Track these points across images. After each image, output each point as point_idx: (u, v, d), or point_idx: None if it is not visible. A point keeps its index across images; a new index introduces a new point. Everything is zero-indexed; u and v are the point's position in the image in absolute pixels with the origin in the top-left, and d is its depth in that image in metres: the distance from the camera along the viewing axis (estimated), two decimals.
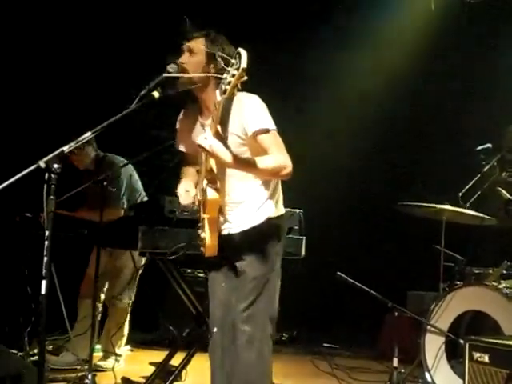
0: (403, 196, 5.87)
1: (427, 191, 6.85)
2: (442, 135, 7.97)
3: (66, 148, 3.04)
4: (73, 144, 3.10)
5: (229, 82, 3.08)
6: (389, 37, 8.16)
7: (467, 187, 5.67)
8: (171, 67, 3.46)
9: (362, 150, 8.31)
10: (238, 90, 3.18)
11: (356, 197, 8.39)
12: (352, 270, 5.37)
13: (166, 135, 4.77)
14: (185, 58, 3.59)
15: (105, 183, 4.86)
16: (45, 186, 2.95)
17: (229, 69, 3.08)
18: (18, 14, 7.04)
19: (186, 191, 3.68)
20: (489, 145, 6.10)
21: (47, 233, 2.96)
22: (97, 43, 7.43)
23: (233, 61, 3.05)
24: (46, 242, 2.96)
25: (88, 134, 3.16)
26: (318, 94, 8.18)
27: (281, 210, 3.75)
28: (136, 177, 5.96)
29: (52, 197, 2.96)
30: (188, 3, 6.40)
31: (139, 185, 5.97)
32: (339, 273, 5.30)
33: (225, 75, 3.12)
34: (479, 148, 6.02)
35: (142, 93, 3.35)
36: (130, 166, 5.84)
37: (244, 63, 2.99)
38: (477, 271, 5.66)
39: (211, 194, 3.47)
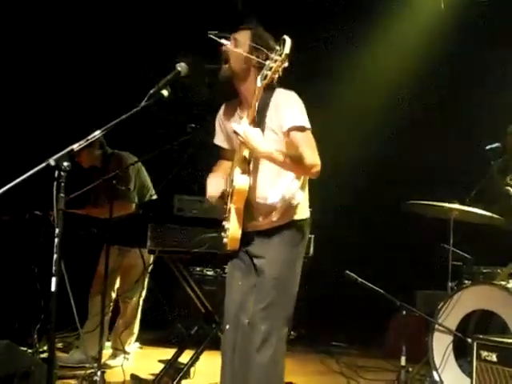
0: (412, 195, 5.86)
1: (436, 190, 6.85)
2: (451, 134, 7.96)
3: (75, 146, 3.06)
4: (82, 142, 3.12)
5: (270, 68, 3.11)
6: (399, 36, 8.15)
7: (475, 190, 5.67)
8: (180, 66, 3.47)
9: (371, 149, 8.30)
10: (279, 77, 3.21)
11: (365, 195, 8.38)
12: (360, 269, 5.37)
13: (174, 133, 4.78)
14: (229, 47, 3.63)
15: (114, 181, 4.87)
16: (55, 183, 2.97)
17: (272, 55, 3.12)
18: (28, 11, 7.06)
19: (217, 184, 3.70)
20: (498, 144, 6.09)
21: (57, 230, 2.98)
22: (103, 42, 7.44)
23: (277, 47, 3.09)
24: (56, 240, 2.97)
25: (97, 133, 3.17)
26: (325, 94, 8.17)
27: (306, 212, 3.76)
28: (144, 172, 5.97)
29: (62, 194, 2.97)
30: (195, 3, 6.42)
31: (148, 180, 5.98)
32: (348, 272, 5.30)
33: (267, 62, 3.16)
34: (488, 147, 6.01)
35: (152, 91, 3.36)
36: None
37: (287, 49, 3.04)
38: (485, 270, 5.66)
39: (240, 183, 3.47)
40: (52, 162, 2.94)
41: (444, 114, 8.09)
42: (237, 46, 3.64)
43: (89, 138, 3.15)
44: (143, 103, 3.32)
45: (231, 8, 7.25)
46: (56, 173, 2.96)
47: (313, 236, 4.79)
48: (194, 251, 4.52)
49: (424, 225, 6.81)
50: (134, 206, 5.66)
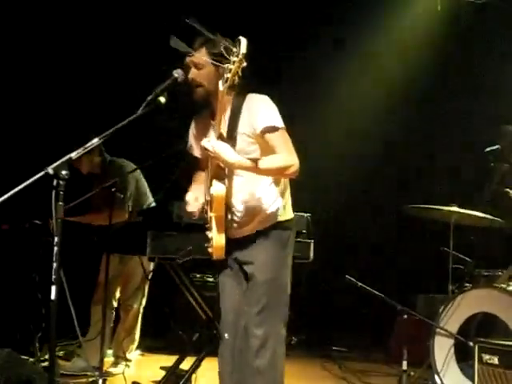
0: (412, 198, 5.87)
1: (436, 193, 6.86)
2: (451, 137, 7.96)
3: (73, 154, 3.06)
4: (80, 150, 3.11)
5: (230, 70, 3.09)
6: (395, 37, 8.16)
7: (476, 193, 5.67)
8: (176, 72, 3.47)
9: (371, 152, 8.29)
10: (240, 78, 3.18)
11: (365, 199, 8.38)
12: (361, 273, 5.38)
13: (174, 140, 4.77)
14: (194, 74, 3.57)
15: (113, 189, 4.87)
16: (53, 192, 2.96)
17: (230, 58, 3.09)
18: (29, 22, 7.08)
19: (195, 199, 3.68)
20: (498, 146, 6.09)
21: (56, 239, 2.98)
22: (102, 48, 7.45)
23: (234, 49, 3.06)
24: (55, 248, 2.97)
25: (95, 140, 3.17)
26: (323, 96, 8.16)
27: (290, 213, 3.75)
28: (143, 180, 5.97)
29: (60, 203, 2.97)
30: (192, 7, 6.42)
31: (146, 188, 5.97)
32: (348, 276, 5.30)
33: (226, 64, 3.13)
34: (488, 149, 6.01)
35: (149, 98, 3.36)
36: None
37: (244, 49, 2.99)
38: (486, 273, 5.65)
39: (217, 190, 3.45)
40: (50, 170, 2.93)
41: (442, 116, 8.09)
42: (199, 67, 3.57)
43: (87, 145, 3.15)
44: (141, 110, 3.32)
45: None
46: (54, 181, 2.95)
47: (312, 241, 4.78)
48: (193, 257, 4.51)
49: (424, 228, 6.81)
50: (127, 214, 5.66)
